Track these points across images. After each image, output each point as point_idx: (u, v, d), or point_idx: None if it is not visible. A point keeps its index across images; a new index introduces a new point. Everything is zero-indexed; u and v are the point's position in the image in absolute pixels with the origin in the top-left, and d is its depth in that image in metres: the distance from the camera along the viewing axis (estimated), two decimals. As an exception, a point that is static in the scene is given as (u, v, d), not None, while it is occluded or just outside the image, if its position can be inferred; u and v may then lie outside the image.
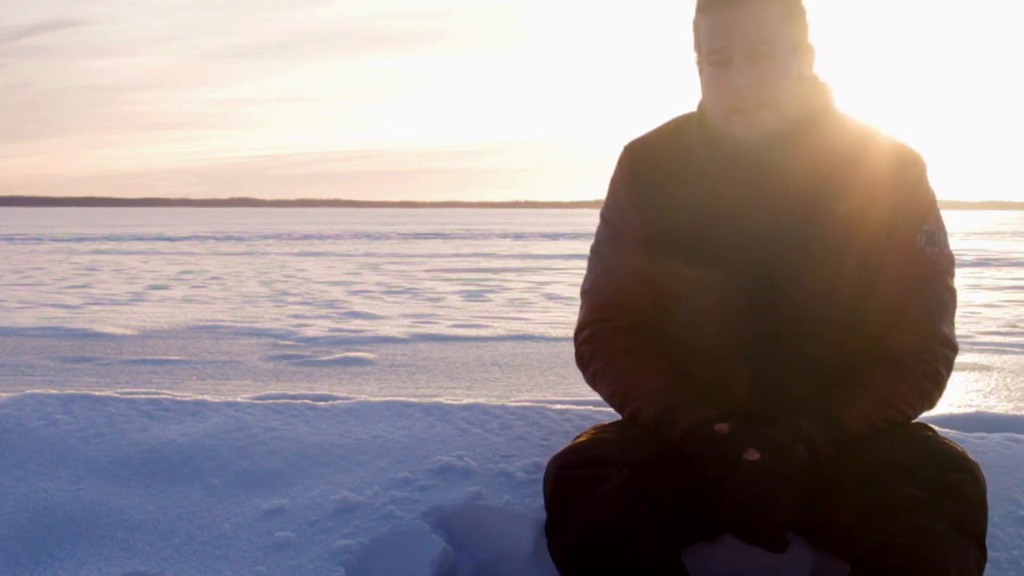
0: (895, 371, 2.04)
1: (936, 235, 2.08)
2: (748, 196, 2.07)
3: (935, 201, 2.11)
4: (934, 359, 2.06)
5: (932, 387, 2.07)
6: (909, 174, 2.08)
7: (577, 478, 1.96)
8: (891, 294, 2.06)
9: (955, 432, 2.44)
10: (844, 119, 2.12)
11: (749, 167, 2.07)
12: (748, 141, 2.04)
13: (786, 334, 2.06)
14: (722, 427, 1.95)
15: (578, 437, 2.13)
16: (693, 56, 2.11)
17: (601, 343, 2.17)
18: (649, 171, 2.16)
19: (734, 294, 2.07)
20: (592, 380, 2.21)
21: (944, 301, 2.08)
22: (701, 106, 2.14)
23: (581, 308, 2.25)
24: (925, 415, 2.13)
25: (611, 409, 2.56)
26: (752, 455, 1.90)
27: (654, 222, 2.13)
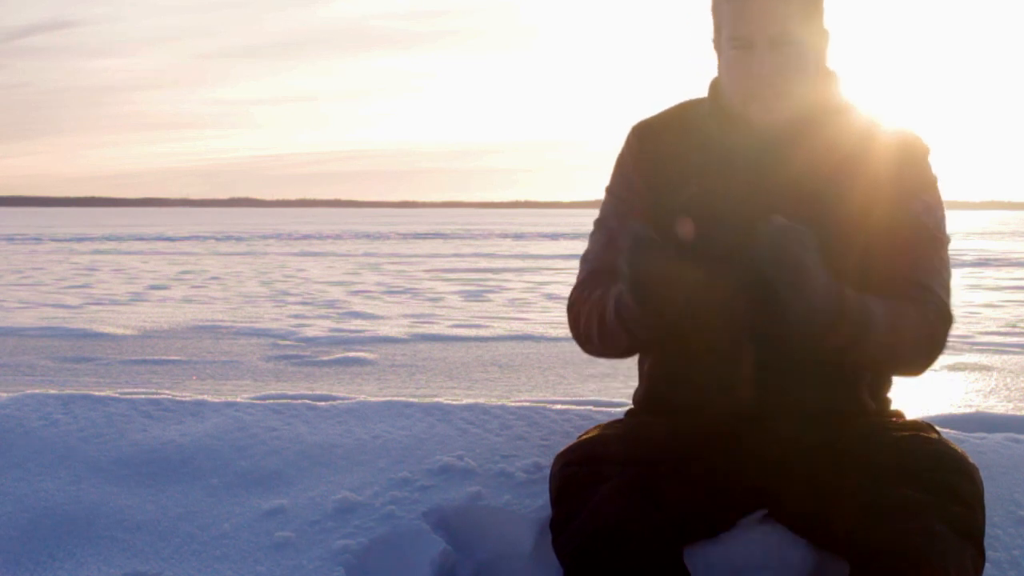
0: (911, 305, 1.98)
1: (933, 209, 2.05)
2: (750, 194, 2.07)
3: (936, 182, 2.09)
4: (939, 308, 2.00)
5: (941, 334, 2.00)
6: (909, 153, 2.06)
7: (581, 476, 1.96)
8: (886, 257, 2.02)
9: (955, 432, 2.44)
10: (851, 112, 2.12)
11: (763, 162, 2.07)
12: (761, 128, 2.05)
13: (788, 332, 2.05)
14: (688, 225, 1.87)
15: (582, 435, 2.13)
16: (712, 37, 2.10)
17: (591, 290, 2.12)
18: (656, 150, 2.15)
19: (738, 287, 2.06)
20: (575, 321, 2.15)
21: (938, 267, 2.03)
22: (713, 86, 2.14)
23: (579, 273, 2.20)
24: (925, 414, 2.12)
25: (611, 410, 2.56)
26: (688, 228, 1.83)
27: (659, 201, 2.12)
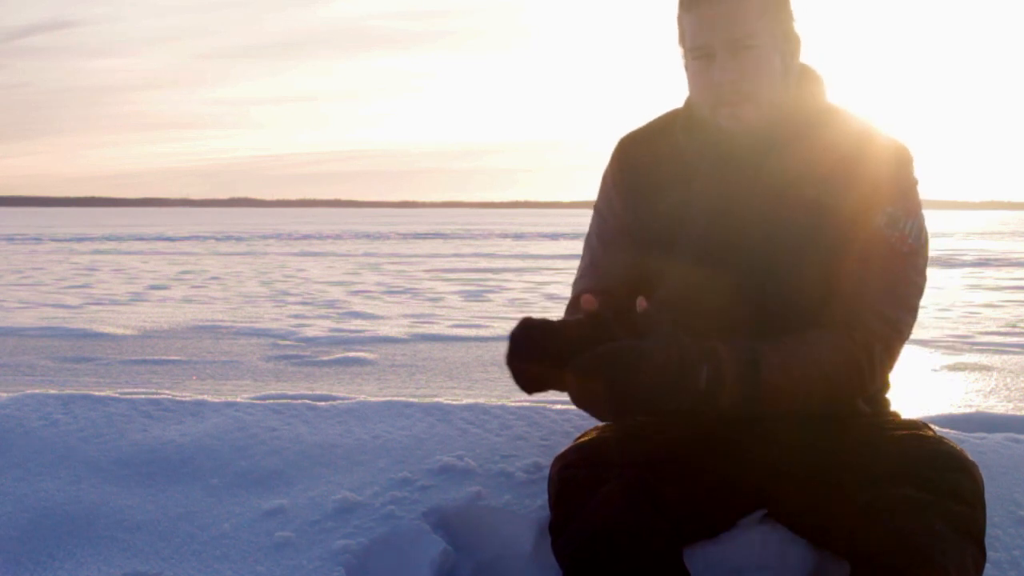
0: (821, 332, 1.97)
1: (900, 220, 2.00)
2: (741, 198, 2.07)
3: (910, 189, 2.04)
4: (867, 330, 1.97)
5: (861, 356, 1.96)
6: (883, 159, 2.03)
7: (580, 478, 1.96)
8: (842, 273, 2.00)
9: (955, 432, 2.44)
10: (840, 117, 2.11)
11: (742, 168, 2.07)
12: (734, 135, 2.04)
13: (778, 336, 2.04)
14: (642, 302, 1.88)
15: (581, 436, 2.13)
16: (679, 51, 2.11)
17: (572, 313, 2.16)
18: (640, 164, 2.16)
19: (728, 295, 2.06)
20: None
21: (893, 283, 2.00)
22: (688, 101, 2.14)
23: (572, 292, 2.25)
24: (925, 414, 2.12)
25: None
26: (641, 303, 1.84)
27: (645, 214, 2.14)
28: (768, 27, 2.01)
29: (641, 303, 1.86)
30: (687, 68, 2.09)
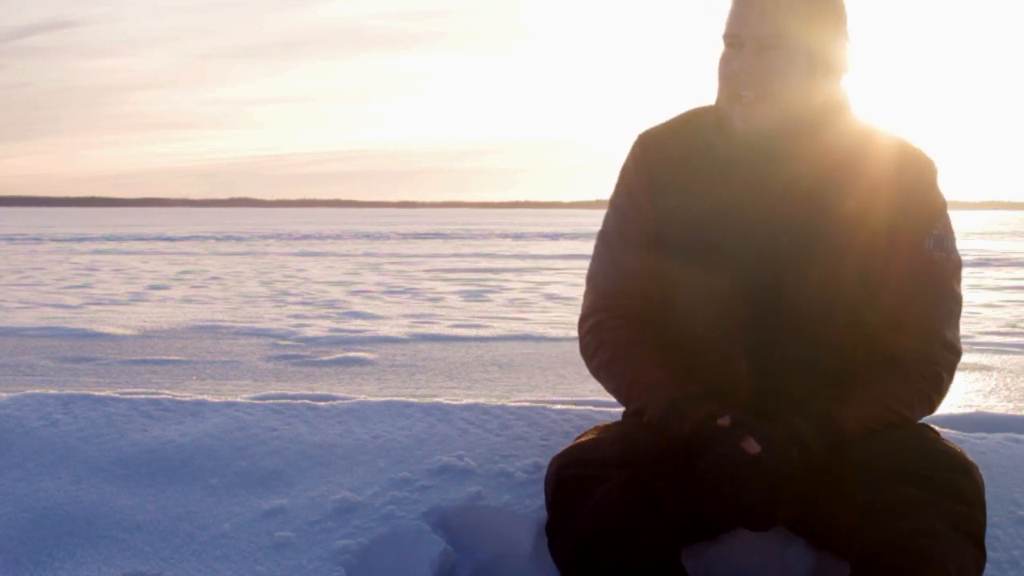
0: (894, 373, 2.04)
1: (944, 240, 2.07)
2: (752, 195, 2.07)
3: (945, 205, 2.10)
4: (935, 362, 2.05)
5: (932, 391, 2.06)
6: (917, 176, 2.07)
7: (578, 478, 1.95)
8: (895, 296, 2.05)
9: (955, 432, 2.44)
10: (850, 118, 2.11)
11: (754, 165, 2.06)
12: (747, 134, 2.04)
13: (786, 335, 2.05)
14: (724, 421, 1.95)
15: (579, 437, 2.13)
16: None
17: (606, 334, 2.16)
18: (661, 160, 2.15)
19: (735, 294, 2.06)
20: (597, 371, 2.19)
21: (948, 305, 2.07)
22: (718, 101, 2.14)
23: (586, 295, 2.23)
24: (927, 417, 2.12)
25: (611, 409, 2.56)
26: (751, 447, 1.90)
27: (663, 212, 2.13)
28: (803, 33, 2.01)
29: (752, 446, 1.92)
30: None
